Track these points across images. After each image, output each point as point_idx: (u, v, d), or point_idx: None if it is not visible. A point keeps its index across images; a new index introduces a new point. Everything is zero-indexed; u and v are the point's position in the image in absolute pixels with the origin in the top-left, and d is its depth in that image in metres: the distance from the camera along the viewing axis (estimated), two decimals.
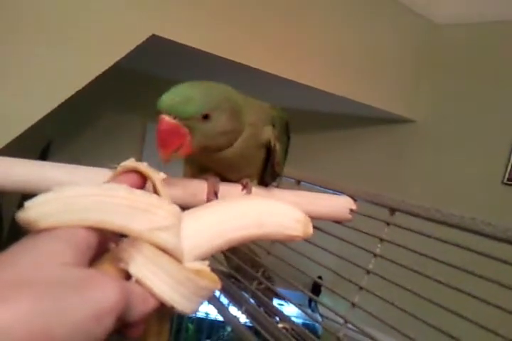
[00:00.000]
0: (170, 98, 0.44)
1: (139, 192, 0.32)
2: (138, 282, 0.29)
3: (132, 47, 1.36)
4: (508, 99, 2.02)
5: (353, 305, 0.57)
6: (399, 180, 2.29)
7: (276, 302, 1.68)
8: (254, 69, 1.63)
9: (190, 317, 1.52)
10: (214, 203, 0.39)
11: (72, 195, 0.29)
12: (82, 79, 1.30)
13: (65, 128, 2.34)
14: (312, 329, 1.74)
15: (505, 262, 0.45)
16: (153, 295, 0.30)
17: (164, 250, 0.31)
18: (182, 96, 0.45)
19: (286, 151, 0.61)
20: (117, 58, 1.34)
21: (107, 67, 1.32)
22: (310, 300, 1.95)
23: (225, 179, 0.56)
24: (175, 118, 0.44)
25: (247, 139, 0.51)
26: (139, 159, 0.44)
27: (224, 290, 0.83)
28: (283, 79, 1.73)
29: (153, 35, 1.37)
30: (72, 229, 0.28)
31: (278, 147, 0.56)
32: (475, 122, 2.10)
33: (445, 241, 0.51)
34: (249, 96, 0.55)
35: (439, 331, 0.49)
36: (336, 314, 0.58)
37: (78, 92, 1.29)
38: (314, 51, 1.83)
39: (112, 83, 1.85)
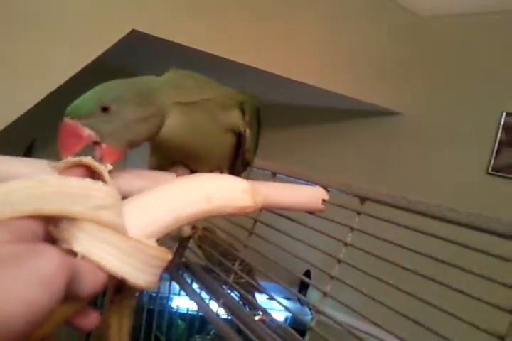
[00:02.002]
0: (73, 102, 0.43)
1: (72, 179, 0.32)
2: (84, 259, 0.29)
3: (112, 43, 1.35)
4: (494, 90, 2.03)
5: (325, 294, 0.57)
6: (386, 173, 2.30)
7: (264, 296, 1.68)
8: (236, 62, 1.62)
9: (182, 314, 1.52)
10: (161, 185, 0.39)
11: (3, 192, 0.29)
12: (62, 75, 1.29)
13: (49, 126, 2.31)
14: (301, 323, 1.74)
15: (467, 247, 0.46)
16: (101, 268, 0.30)
17: (107, 226, 0.31)
18: (81, 98, 0.43)
19: (257, 139, 0.60)
20: (97, 54, 1.33)
21: (86, 63, 1.31)
22: (300, 292, 1.95)
23: (194, 171, 0.56)
24: (72, 118, 0.42)
25: (188, 118, 0.49)
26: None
27: (204, 285, 0.83)
28: (267, 73, 1.73)
29: (133, 30, 1.36)
30: (9, 219, 0.27)
31: (248, 133, 0.55)
32: (459, 113, 2.11)
33: (413, 229, 0.51)
34: (213, 80, 0.55)
35: (409, 319, 0.49)
36: (309, 304, 0.59)
37: (60, 89, 1.28)
38: (299, 45, 1.83)
39: (93, 79, 1.83)
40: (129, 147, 0.46)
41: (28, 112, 1.25)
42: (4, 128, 1.23)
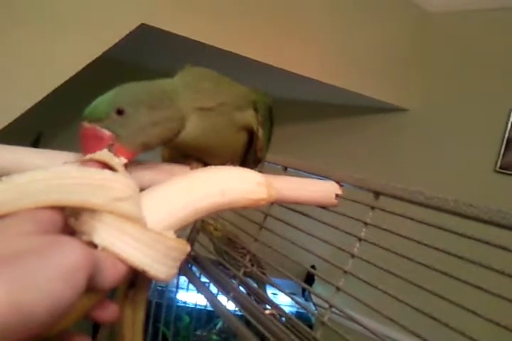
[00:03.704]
0: (90, 106, 0.44)
1: (91, 169, 0.32)
2: (105, 251, 0.29)
3: (121, 36, 1.34)
4: (500, 86, 2.02)
5: (338, 289, 0.57)
6: (391, 169, 2.29)
7: (269, 291, 1.68)
8: (245, 57, 1.62)
9: (188, 308, 1.52)
10: (177, 177, 0.39)
11: (24, 182, 0.28)
12: (70, 69, 1.29)
13: (55, 120, 2.32)
14: (306, 318, 1.74)
15: (488, 243, 0.45)
16: (122, 261, 0.29)
17: (126, 219, 0.31)
18: (97, 101, 0.44)
19: (269, 137, 0.60)
20: (105, 48, 1.32)
21: (95, 57, 1.31)
22: (304, 289, 1.95)
23: (207, 164, 0.56)
24: (90, 122, 0.43)
25: (208, 122, 0.50)
26: None
27: (213, 279, 0.83)
28: (274, 67, 1.72)
29: (143, 24, 1.36)
30: (31, 209, 0.27)
31: (261, 132, 0.55)
32: (467, 110, 2.10)
33: (430, 224, 0.51)
34: (230, 79, 0.55)
35: (422, 313, 0.49)
36: (321, 298, 0.58)
37: (67, 83, 1.28)
38: (305, 40, 1.82)
39: (101, 73, 1.84)
40: (144, 149, 0.46)
41: (36, 105, 1.25)
42: (11, 121, 1.23)
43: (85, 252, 0.25)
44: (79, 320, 0.29)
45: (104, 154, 0.39)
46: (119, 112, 0.43)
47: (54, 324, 0.23)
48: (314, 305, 1.90)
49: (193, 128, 0.49)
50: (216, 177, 0.41)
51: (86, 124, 0.43)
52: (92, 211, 0.30)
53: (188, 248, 0.34)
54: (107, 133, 0.43)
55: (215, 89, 0.52)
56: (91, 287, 0.26)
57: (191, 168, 0.54)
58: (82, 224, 0.30)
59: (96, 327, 1.41)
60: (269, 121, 0.59)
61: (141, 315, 0.42)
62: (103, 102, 0.44)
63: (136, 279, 0.42)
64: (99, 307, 0.30)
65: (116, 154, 0.43)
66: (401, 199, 0.54)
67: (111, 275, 0.28)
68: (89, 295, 0.27)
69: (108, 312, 0.31)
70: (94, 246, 0.29)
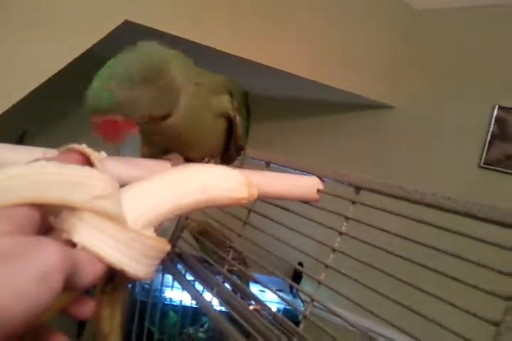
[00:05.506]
0: (90, 99, 0.43)
1: (70, 166, 0.31)
2: (84, 249, 0.29)
3: (104, 33, 1.33)
4: (487, 84, 2.04)
5: (319, 283, 0.57)
6: (378, 166, 2.31)
7: (256, 288, 1.68)
8: (232, 55, 1.61)
9: (175, 305, 1.52)
10: (157, 174, 0.39)
11: (1, 178, 0.28)
12: (53, 66, 1.28)
13: (40, 117, 2.30)
14: (293, 315, 1.75)
15: (466, 236, 0.46)
16: (101, 260, 0.29)
17: (106, 217, 0.31)
18: (95, 90, 0.43)
19: (247, 124, 0.60)
20: (89, 45, 1.31)
21: (78, 55, 1.30)
22: (291, 286, 1.96)
23: (188, 159, 0.56)
24: (99, 114, 0.43)
25: (193, 100, 0.50)
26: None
27: (198, 276, 0.82)
28: (261, 65, 1.72)
29: (126, 21, 1.35)
30: (7, 207, 0.27)
31: (238, 119, 0.55)
32: (452, 107, 2.12)
33: (409, 218, 0.51)
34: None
35: (403, 306, 0.49)
36: (303, 293, 0.58)
37: (51, 80, 1.27)
38: (292, 37, 1.82)
39: (85, 71, 1.81)
40: (145, 120, 0.47)
41: (19, 103, 1.23)
42: None
43: (63, 254, 0.25)
44: (55, 315, 0.29)
45: (83, 148, 0.39)
46: (122, 95, 0.43)
47: (31, 322, 0.23)
48: (302, 301, 1.91)
49: (185, 106, 0.49)
50: (196, 175, 0.41)
51: (97, 118, 0.43)
52: (71, 209, 0.30)
53: (168, 246, 0.34)
54: (120, 118, 0.44)
55: (194, 71, 0.52)
56: (69, 285, 0.26)
57: (172, 163, 0.53)
58: (61, 221, 0.30)
59: (81, 325, 1.40)
60: (245, 107, 0.59)
61: (119, 311, 0.42)
62: (103, 92, 0.43)
63: (113, 275, 0.42)
64: (76, 303, 0.30)
65: (120, 127, 0.44)
66: (381, 193, 0.54)
67: (89, 274, 0.28)
68: (66, 293, 0.27)
69: (86, 308, 0.31)
70: (74, 244, 0.29)
